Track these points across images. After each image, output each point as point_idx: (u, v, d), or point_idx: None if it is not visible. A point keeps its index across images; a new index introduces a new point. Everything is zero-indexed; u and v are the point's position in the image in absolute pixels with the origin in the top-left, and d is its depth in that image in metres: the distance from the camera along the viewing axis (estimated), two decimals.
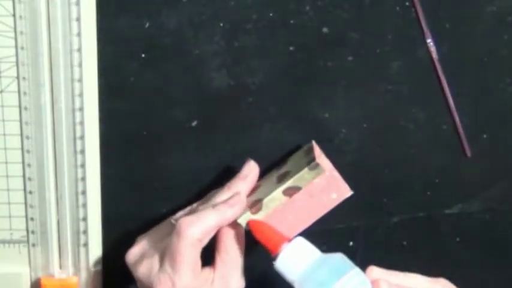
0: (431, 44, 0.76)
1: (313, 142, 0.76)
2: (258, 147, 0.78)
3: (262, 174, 0.76)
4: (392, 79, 0.77)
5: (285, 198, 0.72)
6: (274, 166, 0.78)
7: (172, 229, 0.71)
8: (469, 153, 0.79)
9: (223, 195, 0.73)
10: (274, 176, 0.75)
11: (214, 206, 0.72)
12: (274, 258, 0.68)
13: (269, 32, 0.75)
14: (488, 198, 0.81)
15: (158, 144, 0.78)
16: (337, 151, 0.79)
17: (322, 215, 0.74)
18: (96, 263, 0.80)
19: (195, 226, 0.69)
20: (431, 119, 0.78)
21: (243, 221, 0.72)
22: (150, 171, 0.79)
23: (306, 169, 0.72)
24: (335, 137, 0.79)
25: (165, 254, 0.70)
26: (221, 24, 0.75)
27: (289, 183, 0.72)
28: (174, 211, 0.79)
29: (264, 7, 0.74)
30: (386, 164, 0.80)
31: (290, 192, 0.72)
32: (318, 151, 0.75)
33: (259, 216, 0.72)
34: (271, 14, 0.75)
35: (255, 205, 0.72)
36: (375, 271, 0.69)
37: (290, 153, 0.78)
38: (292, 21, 0.75)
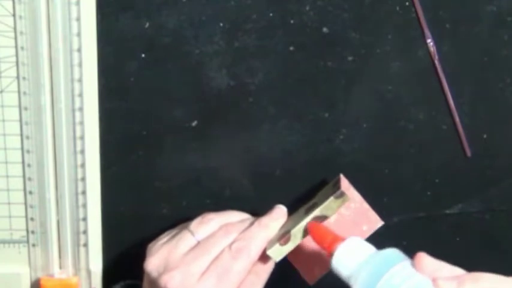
0: (431, 44, 0.76)
1: (341, 175, 0.76)
2: (258, 147, 0.78)
3: (290, 211, 0.76)
4: (392, 79, 0.77)
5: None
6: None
7: (189, 238, 0.71)
8: (469, 153, 0.79)
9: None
10: (302, 210, 0.75)
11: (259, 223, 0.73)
12: (330, 257, 0.68)
13: (269, 32, 0.75)
14: (488, 198, 0.81)
15: (158, 144, 0.78)
16: (337, 151, 0.79)
17: None
18: (96, 263, 0.80)
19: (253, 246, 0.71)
20: (431, 119, 0.78)
21: (272, 253, 0.72)
22: (150, 171, 0.79)
23: (332, 198, 0.71)
24: (335, 137, 0.79)
25: (213, 270, 0.70)
26: (221, 24, 0.75)
27: (316, 212, 0.72)
28: (174, 211, 0.80)
29: (264, 7, 0.74)
30: (387, 164, 0.80)
31: (317, 221, 0.72)
32: (346, 183, 0.75)
33: (288, 247, 0.72)
34: (271, 14, 0.75)
35: (284, 236, 0.71)
36: (424, 260, 0.67)
37: (316, 187, 0.78)
38: (292, 21, 0.75)
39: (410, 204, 0.81)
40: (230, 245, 0.71)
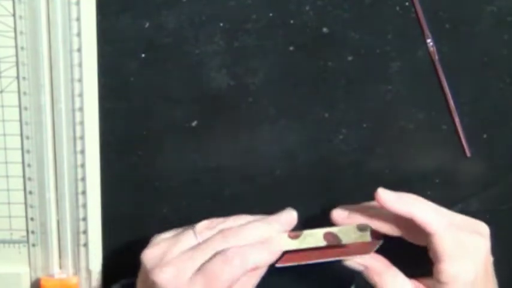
0: (431, 44, 0.76)
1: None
2: (258, 147, 0.78)
3: None
4: (392, 79, 0.77)
5: (322, 242, 0.72)
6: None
7: (192, 238, 0.71)
8: (468, 153, 0.79)
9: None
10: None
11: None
12: None
13: (269, 32, 0.75)
14: (488, 198, 0.81)
15: (158, 144, 0.78)
16: (337, 151, 0.79)
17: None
18: (96, 263, 0.80)
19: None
20: (431, 119, 0.78)
21: (277, 239, 0.72)
22: (150, 171, 0.79)
23: (355, 226, 0.72)
24: (335, 137, 0.79)
25: (203, 272, 0.70)
26: (221, 24, 0.75)
27: (333, 229, 0.72)
28: (174, 211, 0.79)
29: (264, 7, 0.74)
30: (387, 164, 0.80)
31: (330, 238, 0.72)
32: (378, 235, 0.74)
33: (293, 244, 0.71)
34: (271, 14, 0.75)
35: (296, 232, 0.72)
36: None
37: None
38: (292, 21, 0.75)
39: None
40: (225, 250, 0.71)
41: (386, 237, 0.73)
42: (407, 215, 0.70)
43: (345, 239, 0.72)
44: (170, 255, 0.72)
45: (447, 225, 0.70)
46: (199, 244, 0.72)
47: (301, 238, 0.72)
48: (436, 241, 0.70)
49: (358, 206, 0.75)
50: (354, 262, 0.72)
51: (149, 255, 0.72)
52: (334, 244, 0.72)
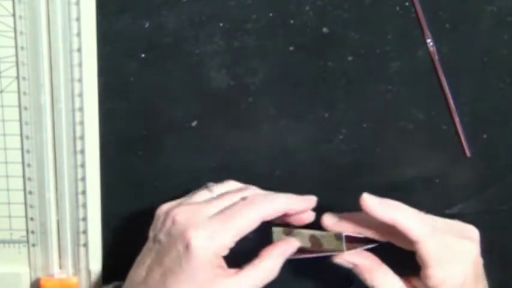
0: (431, 44, 0.76)
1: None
2: (258, 147, 0.78)
3: None
4: (392, 79, 0.77)
5: (308, 243, 0.73)
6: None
7: (206, 193, 0.73)
8: (468, 153, 0.79)
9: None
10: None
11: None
12: None
13: (269, 32, 0.75)
14: (488, 198, 0.81)
15: (158, 144, 0.78)
16: (337, 151, 0.79)
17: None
18: (96, 263, 0.80)
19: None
20: (431, 119, 0.78)
21: (274, 232, 0.74)
22: (150, 171, 0.79)
23: (333, 234, 0.73)
24: (335, 137, 0.79)
25: (223, 212, 0.71)
26: (221, 24, 0.75)
27: (317, 233, 0.73)
28: None
29: (264, 7, 0.74)
30: (387, 164, 0.80)
31: (313, 241, 0.73)
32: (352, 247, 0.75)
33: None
34: (271, 14, 0.75)
35: (289, 228, 0.73)
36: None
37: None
38: (292, 21, 0.75)
39: (411, 204, 0.81)
40: (244, 197, 0.71)
41: (375, 242, 0.73)
42: (390, 221, 0.70)
43: (326, 245, 0.73)
44: (186, 203, 0.72)
45: (430, 231, 0.70)
46: (216, 196, 0.72)
47: (291, 235, 0.73)
48: (420, 247, 0.70)
49: (348, 213, 0.75)
50: (343, 259, 0.73)
51: (163, 207, 0.72)
52: (316, 248, 0.73)
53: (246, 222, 0.69)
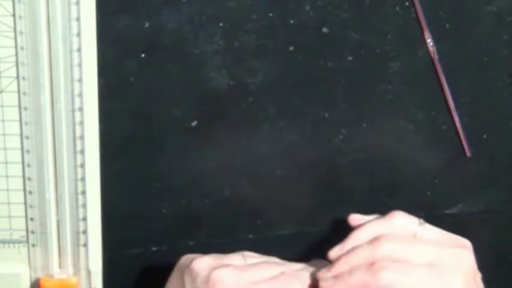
0: (431, 44, 0.76)
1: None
2: (258, 147, 0.78)
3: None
4: (392, 79, 0.77)
5: None
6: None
7: (240, 259, 0.71)
8: (468, 154, 0.79)
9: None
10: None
11: None
12: None
13: (269, 32, 0.75)
14: (488, 198, 0.81)
15: (158, 144, 0.78)
16: (337, 151, 0.79)
17: None
18: (96, 263, 0.80)
19: None
20: (431, 119, 0.78)
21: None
22: (150, 171, 0.79)
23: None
24: (335, 137, 0.79)
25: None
26: (221, 24, 0.75)
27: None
28: (174, 211, 0.79)
29: (264, 7, 0.74)
30: (386, 164, 0.80)
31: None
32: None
33: None
34: (271, 14, 0.75)
35: None
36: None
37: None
38: (292, 21, 0.75)
39: (410, 204, 0.81)
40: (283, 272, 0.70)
41: None
42: None
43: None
44: (226, 263, 0.70)
45: None
46: (253, 264, 0.71)
47: None
48: None
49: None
50: None
51: (203, 261, 0.70)
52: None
53: None
